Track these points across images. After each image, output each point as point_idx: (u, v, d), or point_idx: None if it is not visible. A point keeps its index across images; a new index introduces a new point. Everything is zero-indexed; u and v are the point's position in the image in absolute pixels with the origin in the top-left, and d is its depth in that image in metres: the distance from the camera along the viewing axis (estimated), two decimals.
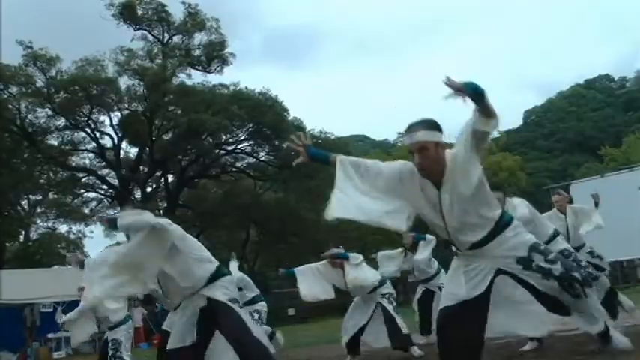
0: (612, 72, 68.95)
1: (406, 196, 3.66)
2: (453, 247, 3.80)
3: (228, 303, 4.75)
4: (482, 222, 3.58)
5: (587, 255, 7.44)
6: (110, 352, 8.03)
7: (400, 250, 9.45)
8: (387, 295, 7.98)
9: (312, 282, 8.15)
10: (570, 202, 7.88)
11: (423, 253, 9.26)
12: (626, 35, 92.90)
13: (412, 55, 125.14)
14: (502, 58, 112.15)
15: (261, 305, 9.55)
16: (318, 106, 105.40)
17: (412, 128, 3.52)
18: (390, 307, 7.88)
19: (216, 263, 4.95)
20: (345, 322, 8.14)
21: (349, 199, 3.61)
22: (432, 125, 3.52)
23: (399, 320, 7.84)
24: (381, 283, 8.03)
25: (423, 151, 3.46)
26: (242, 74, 64.54)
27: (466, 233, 3.61)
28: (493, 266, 3.60)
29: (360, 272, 7.85)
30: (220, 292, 4.77)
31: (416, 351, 7.88)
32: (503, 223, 3.63)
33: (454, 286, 3.68)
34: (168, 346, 4.91)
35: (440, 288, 9.18)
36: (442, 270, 9.37)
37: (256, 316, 9.37)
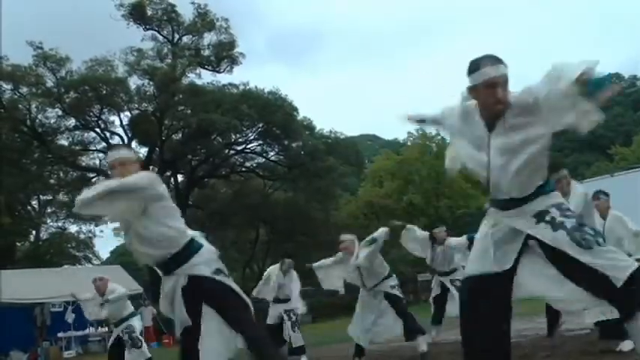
0: (619, 71, 68.64)
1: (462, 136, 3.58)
2: (486, 205, 3.71)
3: (215, 277, 4.45)
4: (522, 181, 3.36)
5: None
6: (125, 337, 8.11)
7: (428, 235, 9.65)
8: (395, 287, 7.95)
9: (328, 273, 8.60)
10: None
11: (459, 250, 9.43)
12: (632, 35, 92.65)
13: (422, 53, 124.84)
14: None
15: (290, 306, 9.54)
16: (327, 106, 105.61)
17: (494, 61, 3.32)
18: (397, 292, 7.90)
19: (188, 237, 4.53)
20: (356, 323, 8.07)
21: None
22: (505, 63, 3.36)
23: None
24: (389, 275, 8.00)
25: (505, 84, 3.29)
26: (248, 74, 64.57)
27: (504, 187, 3.42)
28: (521, 231, 3.40)
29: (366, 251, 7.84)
30: (203, 266, 4.44)
31: (422, 346, 7.75)
32: (543, 191, 3.43)
33: (480, 255, 3.54)
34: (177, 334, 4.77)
35: (452, 283, 9.28)
36: (461, 267, 9.48)
37: (294, 317, 9.38)
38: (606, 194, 7.41)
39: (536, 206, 3.37)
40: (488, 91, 3.27)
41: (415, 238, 9.67)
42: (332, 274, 8.70)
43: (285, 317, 9.28)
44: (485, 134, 3.36)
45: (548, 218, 3.31)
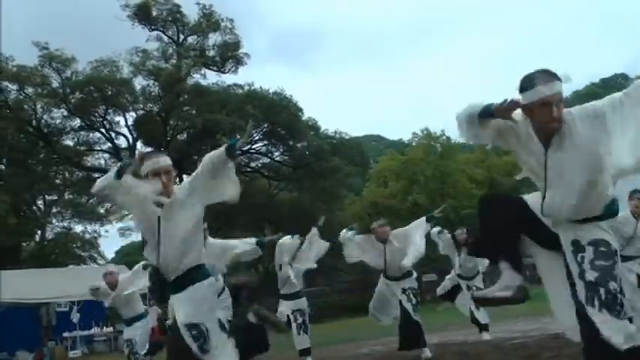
0: (625, 71, 68.54)
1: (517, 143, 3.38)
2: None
3: (181, 328, 4.16)
4: (581, 202, 3.22)
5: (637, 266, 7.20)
6: (126, 352, 8.11)
7: (451, 237, 9.57)
8: (407, 291, 7.85)
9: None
10: None
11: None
12: (636, 35, 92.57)
13: (422, 53, 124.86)
14: (503, 57, 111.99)
15: (302, 303, 9.32)
16: (331, 107, 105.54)
17: (548, 78, 3.17)
18: (408, 306, 7.78)
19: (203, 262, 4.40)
20: (375, 310, 8.26)
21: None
22: (560, 78, 3.22)
23: (415, 317, 7.75)
24: (408, 274, 7.93)
25: (560, 103, 3.15)
26: (252, 75, 64.58)
27: (561, 205, 3.26)
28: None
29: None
30: (182, 312, 4.21)
31: (425, 352, 7.73)
32: (605, 214, 3.27)
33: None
34: None
35: (470, 288, 9.15)
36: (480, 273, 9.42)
37: (300, 319, 9.08)
38: None
39: (583, 232, 3.23)
40: (542, 110, 3.15)
41: (443, 241, 9.63)
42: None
43: (292, 318, 9.03)
44: (542, 152, 3.24)
45: (579, 259, 3.18)
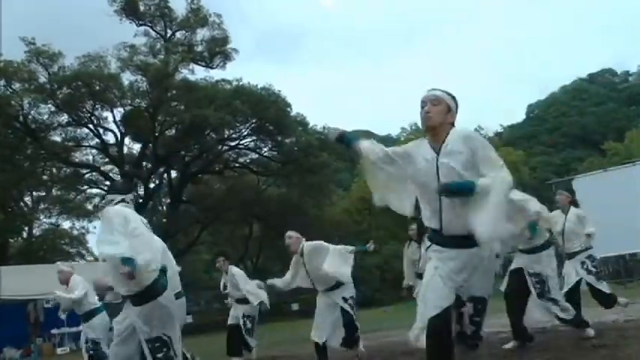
0: (613, 67, 68.67)
1: (409, 167, 3.80)
2: (426, 242, 3.92)
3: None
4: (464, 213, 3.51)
5: (579, 264, 7.33)
6: (90, 353, 7.84)
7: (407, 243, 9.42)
8: (348, 300, 7.35)
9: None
10: (572, 201, 7.73)
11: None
12: (626, 31, 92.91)
13: (412, 50, 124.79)
14: (500, 52, 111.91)
15: (250, 309, 9.16)
16: (320, 102, 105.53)
17: (432, 89, 3.80)
18: (352, 312, 7.33)
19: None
20: (318, 324, 7.49)
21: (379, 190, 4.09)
22: (451, 94, 3.80)
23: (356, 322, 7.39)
24: (341, 284, 7.38)
25: (435, 103, 3.71)
26: (241, 71, 64.37)
27: (455, 219, 3.57)
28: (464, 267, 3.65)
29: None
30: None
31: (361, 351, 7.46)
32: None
33: (436, 295, 3.64)
34: None
35: None
36: None
37: (249, 325, 9.08)
38: (568, 191, 7.75)
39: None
40: (421, 110, 3.76)
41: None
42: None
43: (242, 323, 9.06)
44: (433, 157, 3.65)
45: None
